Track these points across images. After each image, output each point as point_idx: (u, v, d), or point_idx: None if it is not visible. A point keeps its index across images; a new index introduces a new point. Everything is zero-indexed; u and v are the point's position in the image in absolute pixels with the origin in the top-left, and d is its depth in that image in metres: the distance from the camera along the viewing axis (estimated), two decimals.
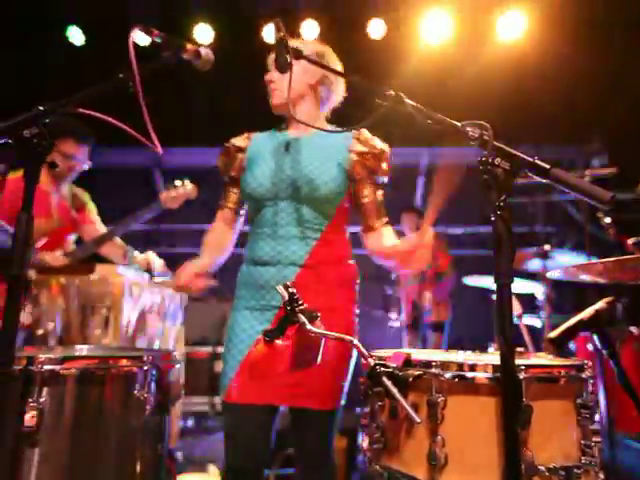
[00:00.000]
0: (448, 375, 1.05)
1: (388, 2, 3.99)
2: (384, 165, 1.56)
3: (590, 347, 2.13)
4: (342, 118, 1.65)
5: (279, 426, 1.58)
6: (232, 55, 3.43)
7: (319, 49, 1.56)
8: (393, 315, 4.07)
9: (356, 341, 1.08)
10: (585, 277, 1.69)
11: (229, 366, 1.46)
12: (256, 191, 1.52)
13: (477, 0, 3.90)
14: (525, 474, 0.98)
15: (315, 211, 1.50)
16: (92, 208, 2.72)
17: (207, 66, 1.24)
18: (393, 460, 1.10)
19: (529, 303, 3.24)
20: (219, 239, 1.65)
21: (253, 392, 1.39)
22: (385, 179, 1.59)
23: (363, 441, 1.18)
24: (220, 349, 3.34)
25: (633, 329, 2.02)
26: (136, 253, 2.62)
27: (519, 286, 3.31)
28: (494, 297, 0.96)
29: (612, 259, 1.38)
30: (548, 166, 0.96)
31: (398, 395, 0.99)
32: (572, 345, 2.35)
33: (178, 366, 1.41)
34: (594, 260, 1.84)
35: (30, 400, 1.09)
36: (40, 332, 2.23)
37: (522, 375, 1.01)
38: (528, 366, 1.04)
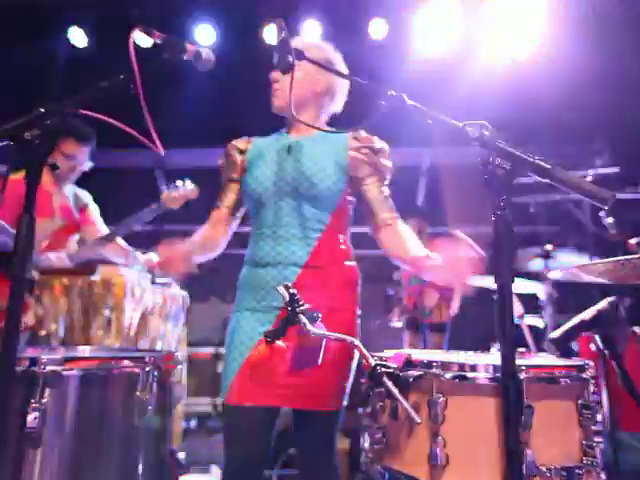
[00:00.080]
0: (449, 375, 1.05)
1: (390, 2, 3.99)
2: (384, 161, 1.56)
3: (593, 347, 2.12)
4: (343, 119, 1.65)
5: (281, 426, 1.58)
6: (234, 56, 3.44)
7: (330, 56, 1.58)
8: (394, 316, 4.07)
9: (357, 342, 1.08)
10: (587, 277, 1.68)
11: (230, 368, 1.46)
12: (256, 192, 1.53)
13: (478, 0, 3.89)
14: (526, 474, 0.98)
15: (315, 209, 1.50)
16: (94, 209, 2.73)
17: (208, 67, 1.25)
18: (394, 460, 1.10)
19: (531, 303, 3.23)
20: (206, 235, 1.63)
21: (254, 393, 1.39)
22: (387, 175, 1.58)
23: (364, 442, 1.19)
24: (222, 350, 3.35)
25: (636, 329, 2.02)
26: (138, 254, 2.63)
27: (521, 286, 3.30)
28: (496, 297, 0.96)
29: (613, 259, 1.38)
30: (548, 166, 0.95)
31: (399, 395, 0.99)
32: (575, 345, 2.35)
33: (180, 367, 1.41)
34: (597, 260, 1.84)
35: (33, 401, 1.10)
36: (43, 333, 2.24)
37: (523, 375, 1.01)
38: (529, 366, 1.04)
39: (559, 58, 3.60)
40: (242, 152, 1.63)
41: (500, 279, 0.94)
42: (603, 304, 1.59)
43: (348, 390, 1.48)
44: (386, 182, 1.59)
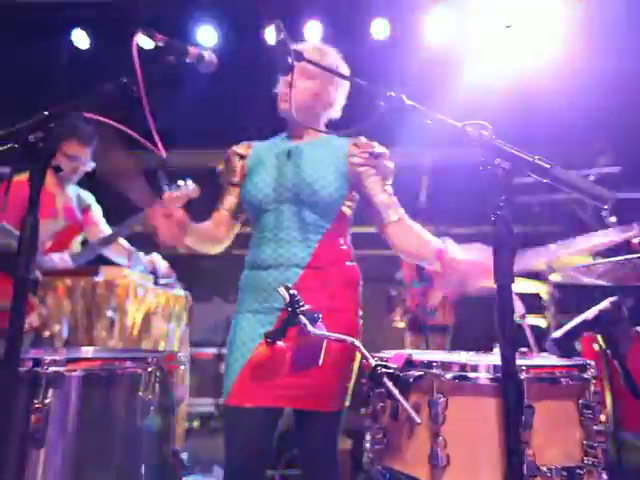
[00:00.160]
0: (449, 376, 1.05)
1: (392, 2, 3.99)
2: (386, 163, 1.57)
3: (596, 347, 2.12)
4: (344, 119, 1.66)
5: (284, 427, 1.58)
6: (235, 57, 3.44)
7: (336, 62, 1.60)
8: (396, 316, 4.07)
9: (357, 342, 1.09)
10: (587, 280, 1.68)
11: (232, 369, 1.46)
12: (256, 198, 1.53)
13: (480, 0, 3.89)
14: (527, 475, 0.98)
15: (316, 214, 1.50)
16: (97, 209, 2.74)
17: (210, 68, 1.25)
18: (395, 461, 1.10)
19: (534, 303, 3.22)
20: (207, 228, 1.63)
21: (255, 394, 1.39)
22: (389, 176, 1.59)
23: (366, 442, 1.19)
24: (225, 351, 3.35)
25: (639, 329, 2.01)
26: (141, 255, 2.64)
27: (524, 286, 3.29)
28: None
29: (614, 259, 1.37)
30: (548, 165, 0.95)
31: (399, 396, 0.99)
32: (578, 345, 2.34)
33: (183, 367, 1.42)
34: (600, 260, 1.83)
35: (36, 401, 1.10)
36: (46, 334, 2.26)
37: (523, 375, 1.01)
38: (529, 366, 1.04)
39: (561, 58, 3.59)
40: (242, 157, 1.64)
41: (500, 280, 0.94)
42: (605, 304, 1.59)
43: (350, 390, 1.49)
44: (389, 182, 1.59)
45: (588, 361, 1.11)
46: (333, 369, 1.39)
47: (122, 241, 2.65)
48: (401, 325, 4.12)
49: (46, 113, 1.03)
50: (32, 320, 2.18)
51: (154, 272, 2.61)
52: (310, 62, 1.32)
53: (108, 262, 2.61)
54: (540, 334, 3.02)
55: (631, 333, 2.01)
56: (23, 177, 1.01)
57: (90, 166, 2.59)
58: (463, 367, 1.06)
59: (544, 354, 1.41)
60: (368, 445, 1.18)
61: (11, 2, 3.75)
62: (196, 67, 1.24)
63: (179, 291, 2.78)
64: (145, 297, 2.51)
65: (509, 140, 0.99)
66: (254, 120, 1.70)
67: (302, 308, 1.08)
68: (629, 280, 1.61)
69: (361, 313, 1.56)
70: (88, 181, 2.69)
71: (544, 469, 1.00)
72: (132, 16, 3.66)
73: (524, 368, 1.02)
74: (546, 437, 1.02)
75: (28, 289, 1.00)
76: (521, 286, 3.25)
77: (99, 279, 2.37)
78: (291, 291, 1.09)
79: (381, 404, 1.13)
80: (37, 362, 1.13)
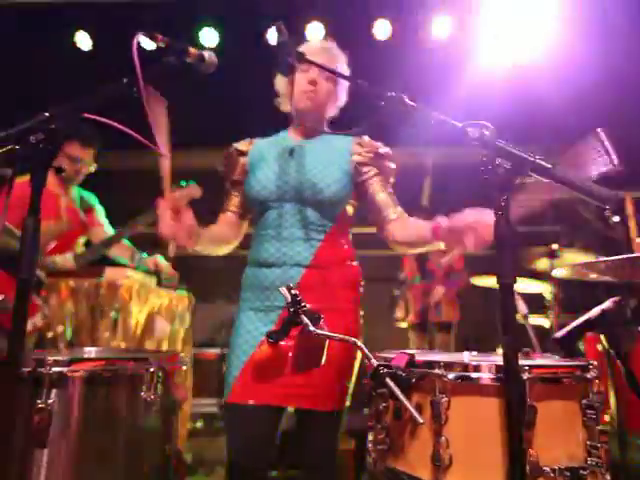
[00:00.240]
0: (451, 376, 1.05)
1: (394, 3, 3.99)
2: (389, 163, 1.58)
3: (600, 347, 2.11)
4: (345, 120, 1.66)
5: (287, 426, 1.58)
6: (237, 58, 3.45)
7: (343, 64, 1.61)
8: (399, 312, 4.07)
9: (359, 342, 1.08)
10: (592, 276, 1.67)
11: (233, 367, 1.46)
12: (260, 194, 1.53)
13: (482, 0, 3.88)
14: (530, 475, 0.97)
15: (319, 214, 1.51)
16: (100, 210, 2.75)
17: (211, 69, 1.26)
18: (398, 461, 1.10)
19: (537, 303, 3.21)
20: (216, 230, 1.63)
21: (257, 393, 1.39)
22: (391, 177, 1.60)
23: (368, 442, 1.19)
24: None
25: None
26: (144, 255, 2.65)
27: (527, 286, 3.29)
28: None
29: (616, 257, 1.37)
30: (549, 165, 0.95)
31: (401, 396, 0.99)
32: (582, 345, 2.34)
33: (185, 368, 1.42)
34: (602, 259, 1.83)
35: (39, 401, 1.11)
36: (50, 335, 2.27)
37: (526, 376, 1.01)
38: (532, 366, 1.03)
39: (562, 58, 3.58)
40: (244, 154, 1.63)
41: (502, 279, 0.94)
42: (608, 304, 1.58)
43: (351, 390, 1.49)
44: (390, 182, 1.60)
45: (590, 361, 1.10)
46: (334, 369, 1.39)
47: (125, 242, 2.66)
48: (404, 325, 4.12)
49: (47, 114, 1.03)
50: (36, 321, 2.19)
51: (157, 273, 2.62)
52: (313, 63, 1.32)
53: (111, 263, 2.62)
54: (544, 334, 3.01)
55: (634, 333, 2.01)
56: (26, 178, 1.01)
57: (93, 168, 2.60)
58: (465, 367, 1.06)
59: (547, 354, 1.40)
60: (370, 445, 1.18)
61: (13, 3, 3.76)
62: (197, 68, 1.25)
63: (182, 291, 2.79)
64: (148, 298, 2.51)
65: (511, 139, 0.99)
66: (256, 121, 1.70)
67: (303, 308, 1.08)
68: (636, 277, 1.60)
69: (362, 313, 1.56)
70: (91, 182, 2.70)
71: (547, 469, 0.99)
72: (134, 17, 3.66)
73: (526, 368, 1.02)
74: (549, 437, 1.02)
75: (31, 290, 1.01)
76: (524, 286, 3.25)
77: (102, 280, 2.38)
78: (292, 291, 1.09)
79: (383, 404, 1.13)
80: (40, 363, 1.14)
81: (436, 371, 1.05)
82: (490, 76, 3.66)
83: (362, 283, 1.58)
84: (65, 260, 2.42)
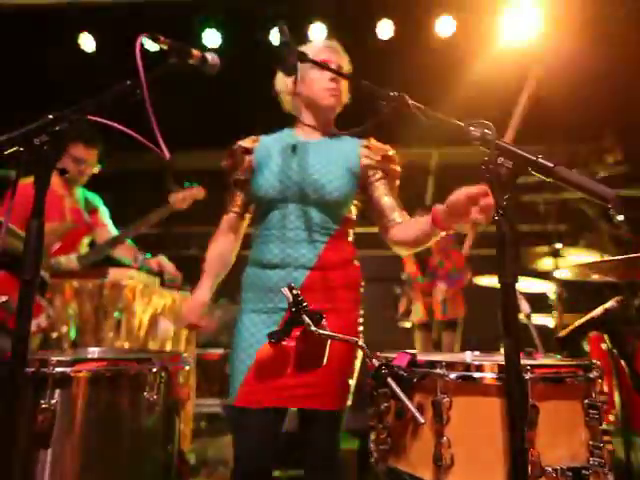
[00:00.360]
0: (453, 375, 1.04)
1: (397, 3, 3.99)
2: (395, 167, 1.58)
3: (604, 347, 2.10)
4: (345, 120, 1.66)
5: (291, 427, 1.58)
6: (240, 58, 3.45)
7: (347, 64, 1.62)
8: (401, 308, 4.06)
9: (361, 342, 1.09)
10: (595, 276, 1.67)
11: (238, 371, 1.46)
12: (268, 193, 1.51)
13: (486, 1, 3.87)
14: (532, 475, 0.97)
15: (325, 215, 1.50)
16: (104, 211, 2.77)
17: (214, 70, 1.26)
18: (399, 461, 1.10)
19: (541, 302, 3.20)
20: (223, 253, 1.63)
21: (261, 395, 1.39)
22: (396, 180, 1.60)
23: (370, 442, 1.19)
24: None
25: None
26: (147, 256, 2.65)
27: (530, 285, 3.28)
28: None
29: (620, 257, 1.36)
30: (552, 164, 0.95)
31: (403, 396, 0.99)
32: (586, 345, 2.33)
33: (188, 368, 1.42)
34: (607, 259, 1.82)
35: (42, 402, 1.12)
36: (54, 335, 2.28)
37: (528, 375, 1.01)
38: (534, 366, 1.03)
39: (567, 55, 3.57)
40: (249, 152, 1.61)
41: (504, 278, 0.94)
42: (612, 303, 1.58)
43: (353, 389, 1.49)
44: (395, 185, 1.60)
45: (593, 360, 1.10)
46: (337, 368, 1.39)
47: (129, 243, 2.67)
48: (408, 324, 4.12)
49: (51, 116, 1.04)
50: (40, 321, 2.20)
51: (161, 273, 2.63)
52: (315, 63, 1.32)
53: (115, 264, 2.63)
54: (547, 334, 3.00)
55: (638, 332, 2.00)
56: (30, 180, 1.02)
57: (97, 168, 2.61)
58: (467, 367, 1.05)
59: (550, 354, 1.40)
60: (372, 445, 1.18)
61: (16, 5, 3.78)
62: (200, 69, 1.25)
63: (186, 292, 2.79)
64: (152, 298, 2.52)
65: (514, 138, 0.99)
66: (258, 122, 1.70)
67: (305, 308, 1.08)
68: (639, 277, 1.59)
69: (362, 313, 1.56)
70: (95, 183, 2.71)
71: (549, 470, 0.99)
72: (137, 19, 3.68)
73: (529, 368, 1.02)
74: (551, 437, 1.01)
75: (35, 290, 1.01)
76: (527, 285, 3.24)
77: (106, 281, 2.39)
78: (294, 291, 1.09)
79: (385, 404, 1.13)
80: (44, 363, 1.14)
81: (438, 371, 1.05)
82: (493, 75, 3.65)
83: (362, 283, 1.58)
84: (69, 261, 2.43)
